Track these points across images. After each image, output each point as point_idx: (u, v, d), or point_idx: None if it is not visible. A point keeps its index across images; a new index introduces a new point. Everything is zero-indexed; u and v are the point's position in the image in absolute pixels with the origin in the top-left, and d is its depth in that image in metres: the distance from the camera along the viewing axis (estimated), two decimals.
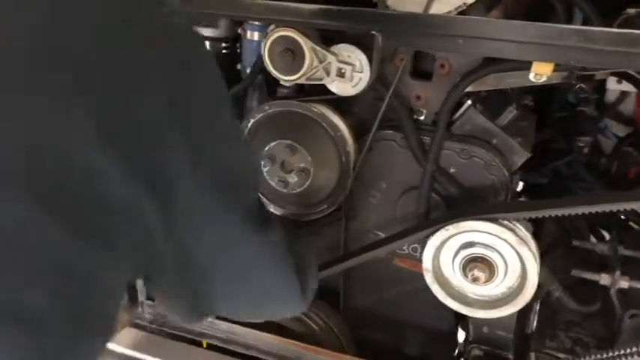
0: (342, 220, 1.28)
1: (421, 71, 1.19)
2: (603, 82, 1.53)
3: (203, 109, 0.61)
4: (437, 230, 1.06)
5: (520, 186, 1.64)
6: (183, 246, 0.62)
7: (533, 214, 1.01)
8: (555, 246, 1.35)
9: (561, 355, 1.22)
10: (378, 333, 1.40)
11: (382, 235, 1.28)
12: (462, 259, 1.07)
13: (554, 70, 1.01)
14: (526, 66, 1.02)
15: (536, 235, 1.15)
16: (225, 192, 0.64)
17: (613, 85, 1.52)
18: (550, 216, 0.99)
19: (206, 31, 1.33)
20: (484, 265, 1.05)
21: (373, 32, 0.95)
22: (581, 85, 1.62)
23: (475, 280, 1.05)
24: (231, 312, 0.82)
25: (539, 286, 1.15)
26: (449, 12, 1.03)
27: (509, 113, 1.20)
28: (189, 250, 0.63)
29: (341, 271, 1.34)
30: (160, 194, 0.53)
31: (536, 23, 0.91)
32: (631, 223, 1.41)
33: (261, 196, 1.25)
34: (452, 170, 1.18)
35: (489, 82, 1.13)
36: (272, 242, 0.76)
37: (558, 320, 1.33)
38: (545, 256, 1.13)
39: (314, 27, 1.02)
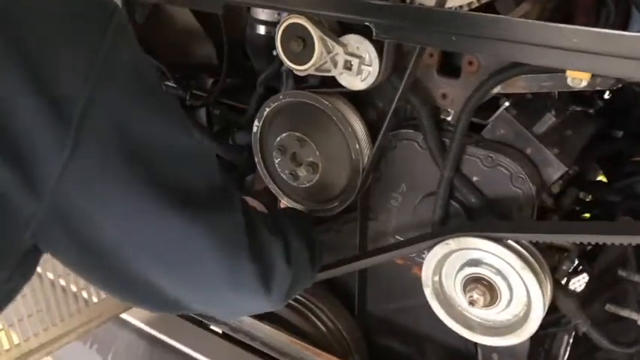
0: (357, 221, 1.21)
1: (450, 68, 1.09)
2: None
3: (122, 83, 0.60)
4: (436, 243, 0.97)
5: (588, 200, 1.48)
6: (77, 215, 0.60)
7: (541, 238, 0.89)
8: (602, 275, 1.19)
9: None
10: (393, 342, 1.33)
11: (402, 239, 1.21)
12: (463, 277, 0.97)
13: None
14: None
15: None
16: (135, 165, 0.62)
17: None
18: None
19: (262, 14, 1.32)
20: (485, 287, 0.95)
21: (367, 24, 0.87)
22: None
23: (472, 302, 0.95)
24: (179, 299, 0.77)
25: (563, 316, 1.03)
26: (470, 3, 0.92)
27: (548, 120, 1.06)
28: (89, 220, 0.62)
29: (356, 274, 1.28)
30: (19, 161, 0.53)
31: (571, 27, 0.77)
32: None
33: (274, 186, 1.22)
34: (474, 178, 1.07)
35: (521, 85, 1.00)
36: (209, 224, 0.71)
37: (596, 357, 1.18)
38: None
39: (306, 15, 0.96)
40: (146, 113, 0.64)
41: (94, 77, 0.57)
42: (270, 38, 1.31)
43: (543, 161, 1.05)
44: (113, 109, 0.59)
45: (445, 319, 1.02)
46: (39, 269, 1.16)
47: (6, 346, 1.13)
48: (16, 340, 1.14)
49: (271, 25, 1.29)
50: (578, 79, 0.91)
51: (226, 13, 1.19)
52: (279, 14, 1.22)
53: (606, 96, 1.38)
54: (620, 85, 0.97)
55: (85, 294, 1.28)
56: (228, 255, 0.73)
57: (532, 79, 0.98)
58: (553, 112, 1.06)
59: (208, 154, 0.74)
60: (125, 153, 0.61)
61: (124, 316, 1.34)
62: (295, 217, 1.06)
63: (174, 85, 1.51)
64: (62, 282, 1.24)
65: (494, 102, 1.08)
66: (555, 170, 1.05)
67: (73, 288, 1.26)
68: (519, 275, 0.91)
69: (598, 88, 0.97)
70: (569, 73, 0.88)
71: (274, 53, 1.28)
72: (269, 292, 0.80)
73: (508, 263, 0.91)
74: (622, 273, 1.14)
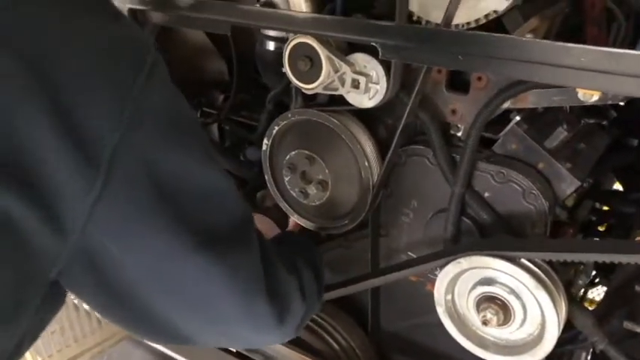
0: (369, 238, 1.20)
1: (459, 84, 1.08)
2: None
3: (153, 125, 0.59)
4: (449, 262, 0.96)
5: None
6: (101, 255, 0.60)
7: (555, 257, 0.87)
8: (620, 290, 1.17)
9: None
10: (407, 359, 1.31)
11: (414, 256, 1.19)
12: (476, 296, 0.96)
13: None
14: None
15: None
16: (163, 206, 0.62)
17: None
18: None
19: (272, 31, 1.32)
20: (498, 307, 0.93)
21: (373, 44, 0.87)
22: None
23: (485, 322, 0.94)
24: (192, 334, 0.79)
25: (579, 333, 1.02)
26: (477, 20, 0.92)
27: (560, 134, 1.05)
28: (112, 259, 0.62)
29: (368, 291, 1.27)
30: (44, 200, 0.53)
31: (580, 46, 0.76)
32: None
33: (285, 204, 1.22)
34: (486, 194, 1.06)
35: (531, 100, 0.99)
36: (231, 265, 0.72)
37: None
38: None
39: (312, 36, 0.96)
40: (176, 154, 0.63)
41: (125, 120, 0.56)
42: (279, 54, 1.32)
43: (556, 176, 1.04)
44: (143, 151, 0.58)
45: (458, 337, 1.01)
46: None
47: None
48: None
49: (281, 41, 1.30)
50: (589, 94, 0.90)
51: (236, 30, 1.21)
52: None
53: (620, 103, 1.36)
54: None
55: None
56: (246, 297, 0.74)
57: (542, 94, 0.97)
58: (565, 126, 1.05)
59: (231, 186, 0.74)
60: (153, 195, 0.60)
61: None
62: (304, 243, 1.05)
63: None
64: (76, 301, 1.25)
65: (505, 116, 1.07)
66: (568, 185, 1.04)
67: (87, 307, 1.27)
68: (533, 294, 0.90)
69: (609, 102, 0.96)
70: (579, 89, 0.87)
71: (284, 70, 1.29)
72: (284, 327, 0.81)
73: (521, 282, 0.90)
74: (639, 289, 1.12)
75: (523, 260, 0.90)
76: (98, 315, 1.29)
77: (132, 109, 0.56)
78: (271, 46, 1.31)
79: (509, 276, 0.91)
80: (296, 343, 1.25)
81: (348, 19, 0.93)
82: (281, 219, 1.33)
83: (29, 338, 0.65)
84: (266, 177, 1.23)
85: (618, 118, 1.28)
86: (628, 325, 1.03)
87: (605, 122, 1.24)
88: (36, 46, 0.51)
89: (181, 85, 1.54)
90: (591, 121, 1.18)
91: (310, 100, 1.19)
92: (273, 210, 1.36)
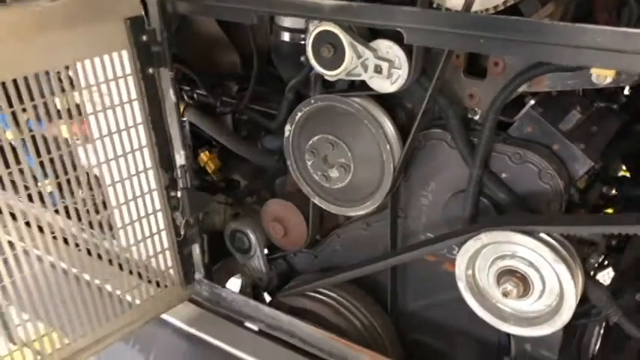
0: (389, 219, 1.25)
1: (476, 69, 1.12)
2: None
3: None
4: (469, 238, 1.01)
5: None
6: None
7: (573, 231, 0.92)
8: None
9: None
10: (426, 337, 1.36)
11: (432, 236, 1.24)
12: (497, 270, 1.01)
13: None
14: None
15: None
16: None
17: None
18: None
19: (287, 22, 1.37)
20: (518, 279, 0.98)
21: (399, 29, 0.91)
22: None
23: (506, 294, 0.98)
24: None
25: (593, 307, 1.06)
26: (496, 6, 0.96)
27: (574, 117, 1.10)
28: None
29: (388, 272, 1.32)
30: None
31: (596, 27, 0.80)
32: None
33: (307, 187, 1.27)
34: (503, 175, 1.11)
35: (546, 83, 1.03)
36: None
37: (628, 349, 1.20)
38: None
39: (336, 23, 1.00)
40: None
41: None
42: (294, 45, 1.37)
43: (570, 157, 1.08)
44: None
45: (479, 311, 1.05)
46: (86, 276, 1.22)
47: (57, 345, 1.19)
48: (66, 341, 1.20)
49: (296, 32, 1.35)
50: (602, 76, 0.94)
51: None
52: (307, 21, 1.27)
53: (627, 92, 1.40)
54: None
55: (128, 297, 1.33)
56: None
57: (557, 77, 1.01)
58: (578, 109, 1.09)
59: None
60: None
61: (164, 316, 1.39)
62: None
63: (205, 94, 1.56)
64: (109, 287, 1.30)
65: (520, 100, 1.11)
66: (582, 165, 1.08)
67: (117, 292, 1.32)
68: (552, 267, 0.94)
69: (622, 85, 1.00)
70: (593, 70, 0.91)
71: (301, 59, 1.34)
72: None
73: (541, 255, 0.94)
74: None
75: (542, 234, 0.94)
76: (129, 298, 1.33)
77: None
78: (287, 37, 1.37)
79: (528, 249, 0.96)
80: (321, 323, 1.30)
81: (373, 6, 0.96)
82: (301, 203, 1.38)
83: None
84: (288, 162, 1.27)
85: (628, 102, 1.32)
86: None
87: (615, 106, 1.28)
88: None
89: (201, 75, 1.60)
90: (602, 105, 1.22)
91: (329, 88, 1.23)
92: (294, 195, 1.41)
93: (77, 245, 1.18)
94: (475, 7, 0.96)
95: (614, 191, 1.50)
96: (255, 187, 1.63)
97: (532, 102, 1.10)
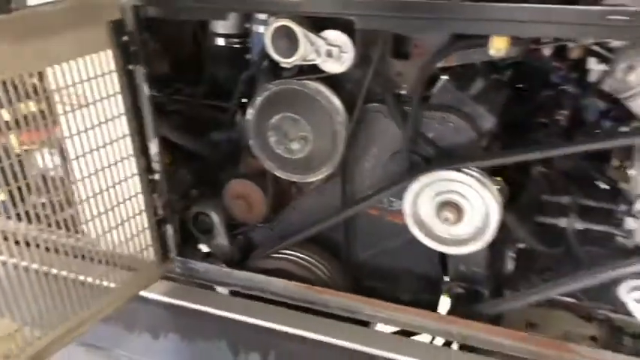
0: (340, 183, 1.50)
1: (401, 51, 1.41)
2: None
3: None
4: (412, 181, 1.28)
5: None
6: None
7: (491, 163, 1.22)
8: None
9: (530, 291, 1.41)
10: (376, 282, 1.62)
11: None
12: (436, 204, 1.29)
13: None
14: (485, 43, 1.23)
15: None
16: None
17: (594, 65, 1.69)
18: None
19: (220, 27, 1.61)
20: (453, 207, 1.27)
21: (350, 17, 1.18)
22: (557, 64, 1.81)
23: (446, 220, 1.27)
24: None
25: (509, 232, 1.37)
26: None
27: (479, 84, 1.41)
28: None
29: (341, 228, 1.56)
30: None
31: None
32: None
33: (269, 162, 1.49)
34: (430, 134, 1.40)
35: (456, 59, 1.34)
36: None
37: (534, 266, 1.53)
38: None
39: (300, 15, 1.25)
40: None
41: None
42: (229, 48, 1.62)
43: (478, 115, 1.39)
44: None
45: (425, 240, 1.33)
46: (54, 271, 1.29)
47: (37, 334, 1.24)
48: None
49: (230, 37, 1.60)
50: (498, 49, 1.25)
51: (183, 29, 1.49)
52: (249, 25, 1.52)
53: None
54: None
55: (105, 282, 1.44)
56: None
57: (463, 53, 1.32)
58: (482, 79, 1.41)
59: None
60: None
61: (143, 293, 1.52)
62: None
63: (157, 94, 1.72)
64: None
65: (435, 78, 1.41)
66: (487, 121, 1.39)
67: (90, 279, 1.41)
68: (478, 193, 1.24)
69: (510, 57, 1.32)
70: (491, 42, 1.21)
71: (247, 57, 1.58)
72: None
73: (469, 186, 1.24)
74: (546, 197, 1.51)
75: (468, 169, 1.24)
76: (105, 283, 1.43)
77: None
78: (222, 42, 1.62)
79: (459, 183, 1.25)
80: (289, 278, 1.51)
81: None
82: (260, 181, 1.59)
83: None
84: (251, 142, 1.49)
85: (513, 76, 1.67)
86: (539, 218, 1.41)
87: (505, 79, 1.62)
88: None
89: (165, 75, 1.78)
90: (496, 76, 1.56)
91: (278, 75, 1.46)
92: (252, 175, 1.62)
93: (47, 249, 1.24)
94: None
95: None
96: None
97: (446, 77, 1.41)
